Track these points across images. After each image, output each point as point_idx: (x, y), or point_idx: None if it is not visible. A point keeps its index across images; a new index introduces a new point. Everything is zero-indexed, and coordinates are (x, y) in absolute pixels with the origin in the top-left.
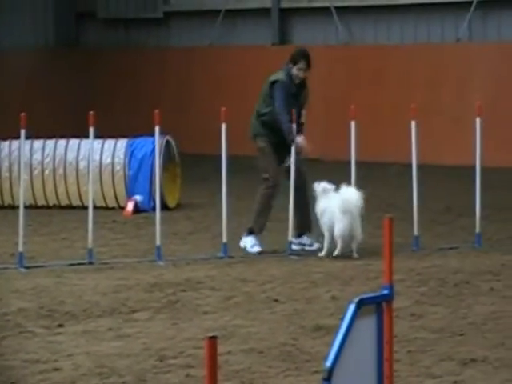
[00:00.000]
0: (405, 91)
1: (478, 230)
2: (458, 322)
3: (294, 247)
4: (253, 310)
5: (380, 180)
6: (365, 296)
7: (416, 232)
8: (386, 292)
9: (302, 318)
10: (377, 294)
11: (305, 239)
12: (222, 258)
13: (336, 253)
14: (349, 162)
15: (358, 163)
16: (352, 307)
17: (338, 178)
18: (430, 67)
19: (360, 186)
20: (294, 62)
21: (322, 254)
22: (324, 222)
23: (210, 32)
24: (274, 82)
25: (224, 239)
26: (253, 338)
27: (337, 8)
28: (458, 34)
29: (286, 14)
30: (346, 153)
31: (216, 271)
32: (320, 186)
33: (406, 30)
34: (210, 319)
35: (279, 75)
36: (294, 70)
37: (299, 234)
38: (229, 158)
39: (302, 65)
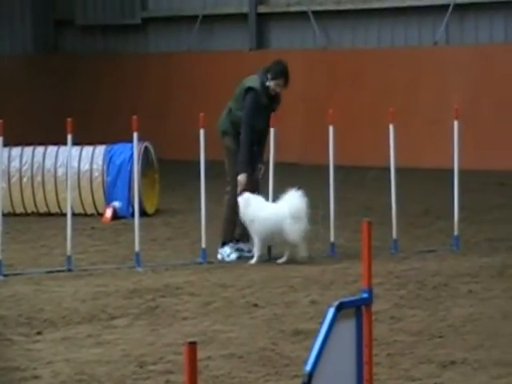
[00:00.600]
0: (383, 95)
1: (456, 232)
2: (436, 325)
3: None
4: (232, 315)
5: (358, 184)
6: (344, 300)
7: (394, 235)
8: (365, 295)
9: (282, 322)
10: (356, 297)
11: (242, 245)
12: (201, 263)
13: (303, 254)
14: (327, 166)
15: (336, 167)
16: (331, 311)
17: (317, 182)
18: (408, 71)
19: (338, 189)
20: (273, 77)
21: (253, 261)
22: (256, 229)
23: (187, 37)
24: (248, 89)
25: (203, 245)
26: (232, 343)
27: (314, 12)
28: (435, 38)
29: (263, 18)
30: (324, 157)
31: (195, 277)
32: (243, 198)
33: (383, 34)
34: (190, 325)
35: (254, 82)
36: (272, 84)
37: (238, 239)
38: (207, 163)
39: (280, 82)
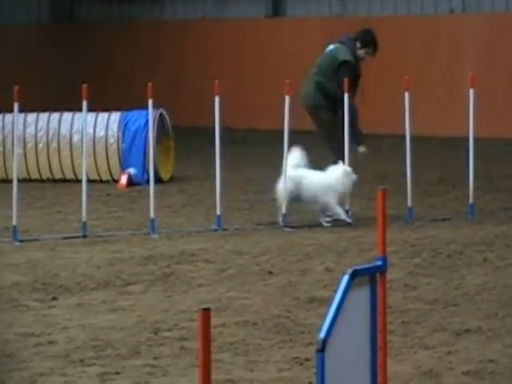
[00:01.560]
0: (399, 63)
1: (471, 200)
2: (451, 293)
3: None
4: (247, 282)
5: (374, 152)
6: (358, 267)
7: (409, 203)
8: (379, 263)
9: (296, 289)
10: (370, 265)
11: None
12: (215, 230)
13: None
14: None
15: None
16: (345, 278)
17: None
18: (424, 39)
19: (353, 158)
20: (365, 44)
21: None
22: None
23: (203, 5)
24: (343, 62)
25: (218, 212)
26: (247, 310)
27: None
28: (451, 5)
29: None
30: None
31: (210, 244)
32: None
33: (399, 2)
34: (204, 292)
35: (347, 54)
36: (362, 53)
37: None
38: (222, 130)
39: (371, 50)
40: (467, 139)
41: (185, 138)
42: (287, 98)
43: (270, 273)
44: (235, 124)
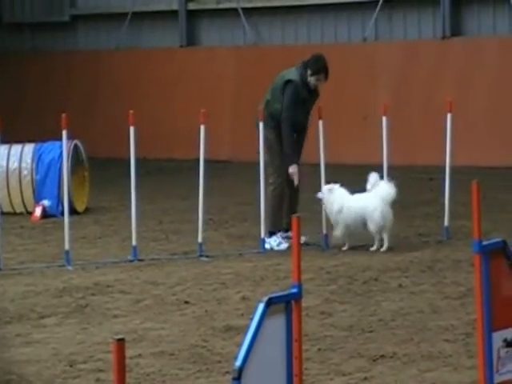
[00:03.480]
0: None
1: None
2: (366, 319)
3: (268, 245)
4: (163, 312)
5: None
6: (273, 295)
7: (324, 230)
8: (294, 290)
9: (213, 319)
10: (285, 292)
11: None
12: (131, 261)
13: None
14: (257, 164)
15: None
16: (261, 306)
17: (248, 179)
18: (338, 66)
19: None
20: (315, 71)
21: (345, 247)
22: (343, 217)
23: (117, 35)
24: (288, 81)
25: (134, 242)
26: (163, 340)
27: (244, 9)
28: (364, 34)
29: (193, 15)
30: (255, 154)
31: (126, 274)
32: (327, 188)
33: (312, 30)
34: (120, 323)
35: (294, 75)
36: (312, 80)
37: (287, 229)
38: (137, 160)
39: (321, 77)
40: (381, 166)
41: (100, 168)
42: (202, 127)
43: (187, 302)
44: (150, 154)
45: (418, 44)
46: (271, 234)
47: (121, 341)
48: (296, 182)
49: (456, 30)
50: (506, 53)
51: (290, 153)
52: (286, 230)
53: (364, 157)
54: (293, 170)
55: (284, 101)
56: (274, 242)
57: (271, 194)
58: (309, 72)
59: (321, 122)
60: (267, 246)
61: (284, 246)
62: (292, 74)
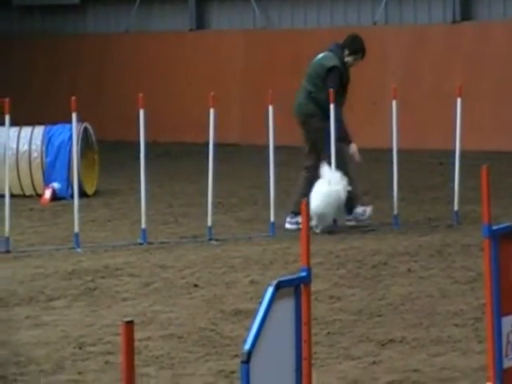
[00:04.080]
0: None
1: (395, 211)
2: (375, 304)
3: (290, 226)
4: (172, 295)
5: (298, 164)
6: (283, 279)
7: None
8: (303, 274)
9: (222, 302)
10: (294, 276)
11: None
12: (141, 244)
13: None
14: (267, 147)
15: (276, 148)
16: (270, 290)
17: (257, 163)
18: None
19: (279, 170)
20: (353, 51)
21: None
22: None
23: (126, 18)
24: (331, 68)
25: (143, 225)
26: (172, 323)
27: None
28: (374, 18)
29: None
30: (264, 137)
31: (135, 257)
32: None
33: (322, 14)
34: (129, 305)
35: (334, 60)
36: (350, 59)
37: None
38: (147, 144)
39: (359, 57)
40: (391, 151)
41: (109, 151)
42: (212, 111)
43: (196, 286)
44: (160, 137)
45: (428, 28)
46: (295, 213)
47: (130, 323)
48: (358, 158)
49: (466, 15)
50: None
51: (346, 135)
52: (296, 214)
53: (374, 141)
54: (354, 148)
55: (330, 86)
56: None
57: (307, 178)
58: (346, 52)
59: (332, 106)
60: (288, 225)
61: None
62: (331, 59)
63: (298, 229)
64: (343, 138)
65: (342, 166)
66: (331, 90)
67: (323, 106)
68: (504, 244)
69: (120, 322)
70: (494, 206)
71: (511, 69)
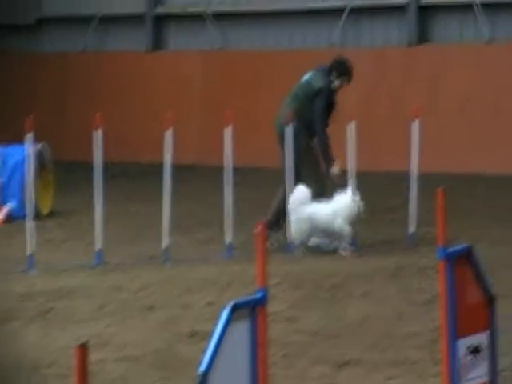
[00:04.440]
0: (280, 96)
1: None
2: (332, 325)
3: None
4: (127, 317)
5: (256, 185)
6: (239, 300)
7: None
8: (260, 295)
9: (178, 324)
10: (251, 297)
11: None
12: (96, 265)
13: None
14: (224, 168)
15: (233, 168)
16: (226, 311)
17: (214, 184)
18: (305, 72)
19: (236, 191)
20: (340, 74)
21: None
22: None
23: (83, 38)
24: (319, 89)
25: (98, 246)
26: (128, 345)
27: (211, 14)
28: (331, 40)
29: (160, 19)
30: (222, 158)
31: (90, 279)
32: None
33: (281, 36)
34: (84, 327)
35: (322, 82)
36: (337, 82)
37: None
38: (104, 164)
39: (346, 80)
40: (350, 172)
41: (66, 172)
42: (168, 131)
43: (152, 307)
44: (116, 158)
45: (385, 51)
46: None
47: (83, 345)
48: (338, 181)
49: (423, 37)
50: (472, 60)
51: (330, 157)
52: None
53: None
54: (335, 171)
55: (316, 107)
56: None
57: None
58: (334, 75)
59: (290, 126)
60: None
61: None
62: (319, 80)
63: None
64: (327, 160)
65: (319, 188)
66: (317, 111)
67: (308, 125)
68: (459, 266)
69: (74, 344)
70: (450, 228)
71: (468, 91)
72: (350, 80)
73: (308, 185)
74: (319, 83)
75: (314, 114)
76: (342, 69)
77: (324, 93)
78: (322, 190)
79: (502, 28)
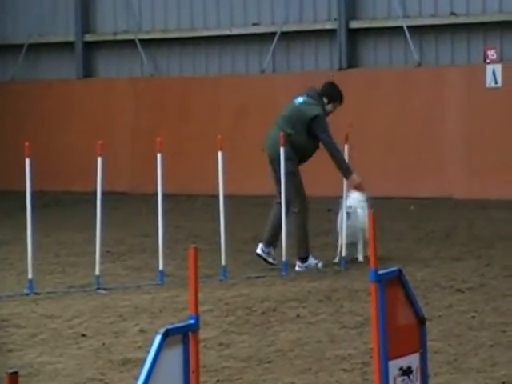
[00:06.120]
0: (211, 122)
1: (284, 258)
2: (265, 350)
3: (302, 268)
4: (59, 345)
5: (187, 212)
6: (171, 327)
7: (223, 262)
8: (191, 322)
9: (110, 352)
10: (183, 324)
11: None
12: (27, 294)
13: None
14: (156, 195)
15: (165, 196)
16: (158, 338)
17: (146, 211)
18: (236, 98)
19: (167, 218)
20: (332, 99)
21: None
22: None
23: (12, 67)
24: (315, 117)
25: (30, 275)
26: (60, 374)
27: (141, 40)
28: (262, 66)
29: (90, 47)
30: (153, 185)
31: (21, 308)
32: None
33: (210, 62)
34: (15, 357)
35: (318, 109)
36: (330, 107)
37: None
38: (34, 193)
39: (337, 103)
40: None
41: None
42: (100, 159)
43: (84, 336)
44: (48, 186)
45: (315, 75)
46: (304, 259)
47: (14, 375)
48: (361, 189)
49: (352, 62)
50: (402, 84)
51: (349, 167)
52: (269, 245)
53: (263, 188)
54: (357, 179)
55: (321, 132)
56: (313, 262)
57: (297, 223)
58: (325, 100)
59: (220, 154)
60: (299, 269)
61: (320, 263)
62: (314, 107)
63: (306, 267)
64: (347, 171)
65: (303, 210)
66: (325, 138)
67: (299, 149)
68: (390, 288)
69: (5, 373)
70: (380, 250)
71: (397, 116)
72: (341, 103)
73: (294, 206)
74: (315, 111)
75: (325, 143)
76: (333, 94)
77: (321, 119)
78: (306, 213)
79: (429, 51)
